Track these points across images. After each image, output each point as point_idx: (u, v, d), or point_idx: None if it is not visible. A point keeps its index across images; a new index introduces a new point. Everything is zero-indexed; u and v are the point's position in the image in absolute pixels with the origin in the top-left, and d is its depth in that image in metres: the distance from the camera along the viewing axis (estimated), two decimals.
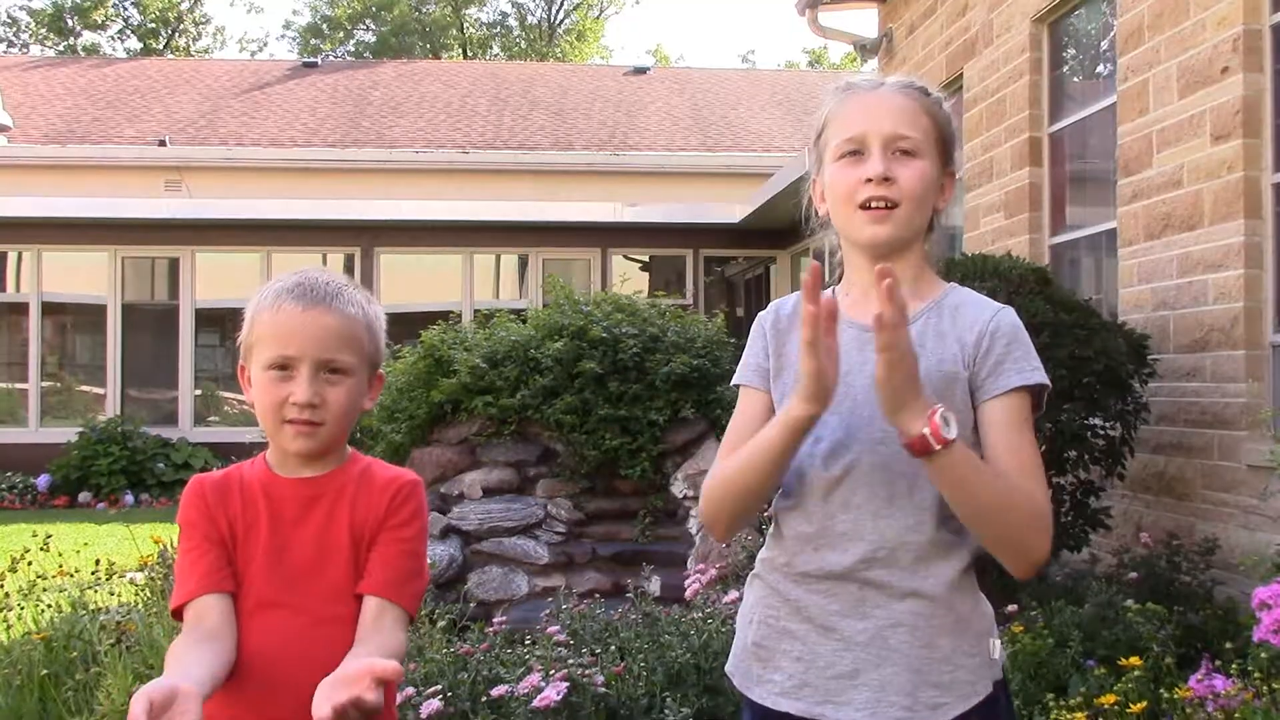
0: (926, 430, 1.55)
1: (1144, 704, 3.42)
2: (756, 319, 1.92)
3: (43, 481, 13.42)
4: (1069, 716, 3.48)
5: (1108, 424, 5.20)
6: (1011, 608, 4.47)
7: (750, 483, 1.72)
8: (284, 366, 1.78)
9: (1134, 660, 3.67)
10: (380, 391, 1.95)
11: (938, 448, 1.55)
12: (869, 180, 1.74)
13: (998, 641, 1.80)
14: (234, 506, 1.83)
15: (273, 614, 1.78)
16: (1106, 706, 3.45)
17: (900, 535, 1.72)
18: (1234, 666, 3.47)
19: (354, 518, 1.82)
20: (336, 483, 1.85)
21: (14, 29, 38.14)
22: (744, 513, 1.78)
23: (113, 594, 4.89)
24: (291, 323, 1.79)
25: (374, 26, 41.29)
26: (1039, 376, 1.74)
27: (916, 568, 1.72)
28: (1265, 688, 3.20)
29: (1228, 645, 3.72)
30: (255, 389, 1.82)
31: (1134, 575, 4.92)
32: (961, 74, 8.28)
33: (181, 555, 1.82)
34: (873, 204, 1.75)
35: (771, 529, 1.86)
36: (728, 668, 1.92)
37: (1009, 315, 1.79)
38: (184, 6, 39.64)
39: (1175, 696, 3.36)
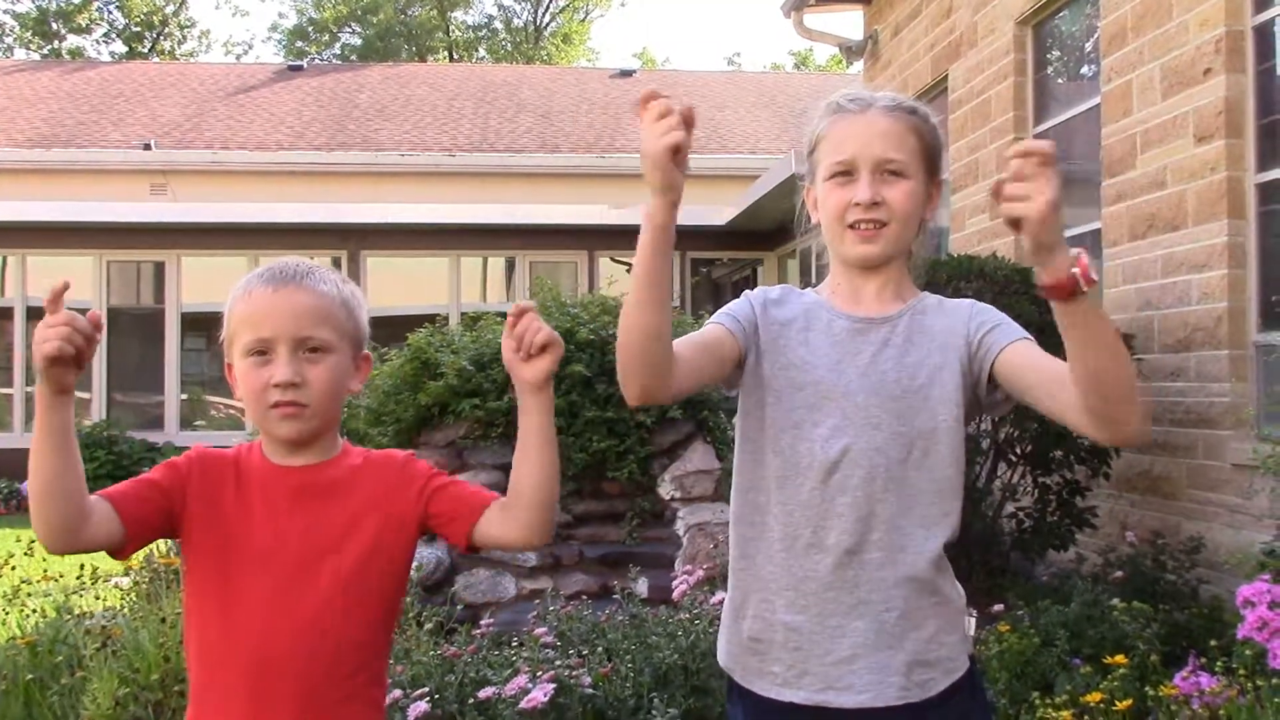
0: (1076, 270, 1.52)
1: (1130, 702, 3.44)
2: (748, 293, 1.97)
3: (27, 487, 13.36)
4: (1055, 714, 3.49)
5: None
6: (998, 607, 4.48)
7: (640, 300, 1.67)
8: (262, 351, 1.77)
9: (1120, 658, 3.68)
10: (369, 372, 1.93)
11: (1086, 289, 1.54)
12: (857, 204, 1.83)
13: (972, 620, 1.92)
14: (226, 483, 1.81)
15: (272, 606, 1.75)
16: (1092, 704, 3.46)
17: (894, 517, 1.81)
18: (1219, 664, 3.48)
19: (350, 508, 1.81)
20: (331, 472, 1.83)
21: None
22: (647, 352, 1.70)
23: (98, 598, 4.87)
24: (264, 305, 1.78)
25: (360, 30, 41.21)
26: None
27: (907, 548, 1.81)
28: (1250, 685, 3.22)
29: (1213, 643, 3.74)
30: (239, 379, 1.81)
31: (1120, 574, 4.94)
32: (947, 75, 8.31)
33: (140, 477, 1.80)
34: (861, 226, 1.84)
35: (758, 523, 1.88)
36: (722, 662, 1.96)
37: (982, 303, 1.92)
38: (169, 10, 39.51)
39: (1161, 694, 3.38)
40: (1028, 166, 1.48)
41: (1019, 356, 1.79)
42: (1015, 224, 1.51)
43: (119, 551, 1.76)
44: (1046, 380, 1.73)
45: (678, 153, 1.57)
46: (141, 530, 1.76)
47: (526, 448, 1.78)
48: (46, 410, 1.66)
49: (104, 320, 1.63)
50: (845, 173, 1.85)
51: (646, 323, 1.67)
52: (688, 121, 1.58)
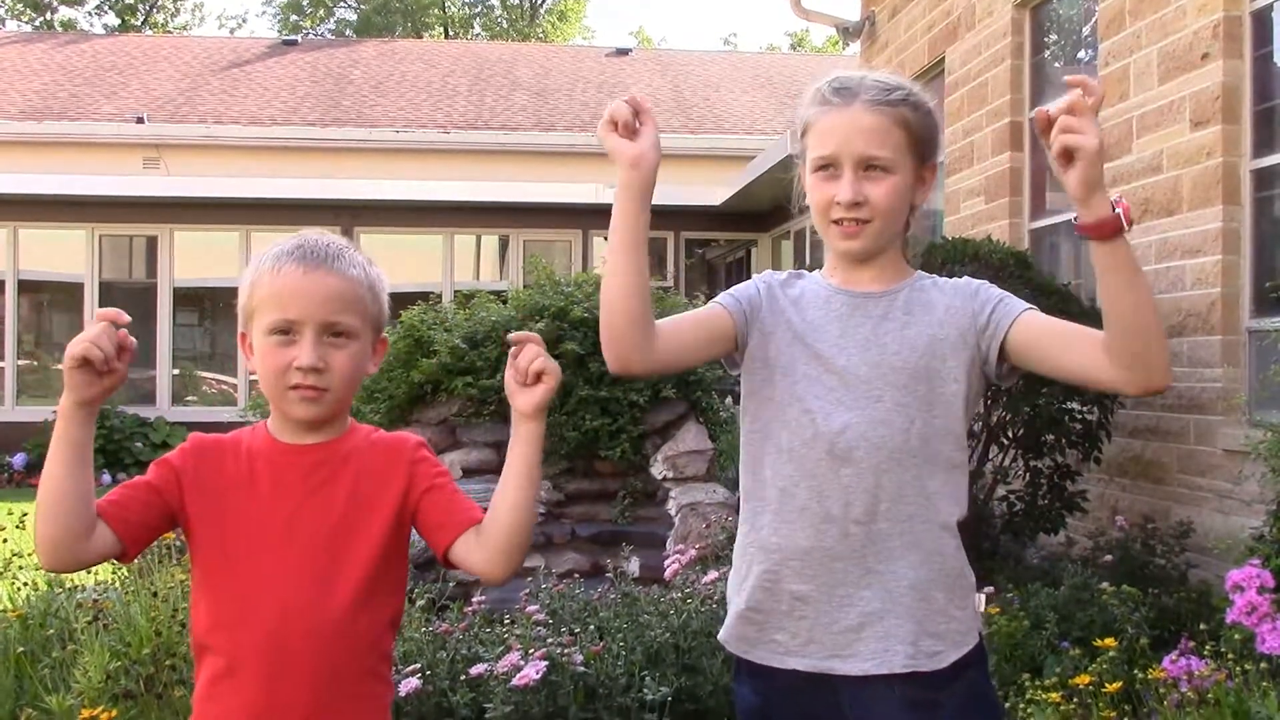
0: (1120, 210, 1.59)
1: (1119, 684, 3.45)
2: (757, 276, 2.02)
3: (19, 460, 13.33)
4: (1044, 697, 3.50)
5: (1085, 408, 5.23)
6: (988, 589, 4.50)
7: (617, 265, 1.84)
8: (286, 331, 1.76)
9: (1109, 641, 3.70)
10: (384, 354, 1.92)
11: (1127, 227, 1.60)
12: (839, 203, 1.85)
13: (980, 597, 1.91)
14: (227, 468, 1.80)
15: (288, 587, 1.75)
16: (1082, 687, 3.48)
17: (900, 488, 1.82)
18: (1207, 648, 3.50)
19: (361, 486, 1.80)
20: (342, 450, 1.83)
21: None
22: (627, 313, 1.83)
23: (89, 572, 4.86)
24: (293, 286, 1.76)
25: (355, 4, 41.00)
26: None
27: (914, 519, 1.83)
28: (1238, 669, 3.23)
29: (1201, 627, 3.75)
30: (257, 355, 1.79)
31: (1109, 558, 4.96)
32: (943, 58, 8.29)
33: (133, 481, 1.80)
34: (844, 222, 1.86)
35: (765, 496, 1.89)
36: (721, 637, 1.97)
37: (981, 280, 1.94)
38: None
39: (1150, 677, 3.39)
40: (1080, 105, 1.54)
41: (1031, 327, 1.82)
42: (1068, 157, 1.56)
43: (121, 558, 1.76)
44: (1066, 339, 1.78)
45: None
46: (140, 534, 1.76)
47: (508, 482, 1.76)
48: (65, 421, 1.68)
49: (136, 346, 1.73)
50: (829, 166, 1.86)
51: (623, 271, 1.82)
52: None
